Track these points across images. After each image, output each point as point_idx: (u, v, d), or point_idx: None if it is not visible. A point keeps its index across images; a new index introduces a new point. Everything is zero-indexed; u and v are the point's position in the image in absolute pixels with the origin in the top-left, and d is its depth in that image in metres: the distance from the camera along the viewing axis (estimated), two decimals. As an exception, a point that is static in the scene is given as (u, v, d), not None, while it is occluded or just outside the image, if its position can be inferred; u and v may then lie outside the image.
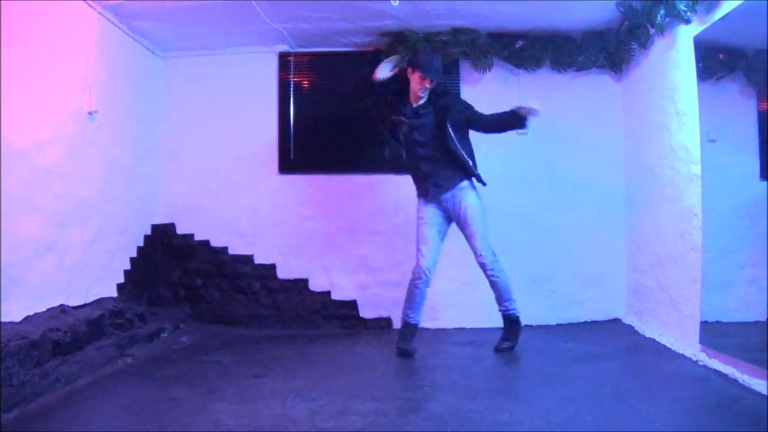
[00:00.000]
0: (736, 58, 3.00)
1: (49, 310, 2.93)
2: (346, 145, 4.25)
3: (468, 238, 3.29)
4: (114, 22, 3.63)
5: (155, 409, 2.39)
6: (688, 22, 3.14)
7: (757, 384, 2.46)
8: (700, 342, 3.00)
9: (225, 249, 4.29)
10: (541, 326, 4.03)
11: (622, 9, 3.55)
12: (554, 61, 4.06)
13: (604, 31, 3.90)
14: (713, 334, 2.96)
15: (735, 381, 2.59)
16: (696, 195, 3.09)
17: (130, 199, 3.89)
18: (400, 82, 3.31)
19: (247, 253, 4.27)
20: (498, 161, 3.88)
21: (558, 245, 4.12)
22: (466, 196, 3.28)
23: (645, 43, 3.63)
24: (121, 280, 3.76)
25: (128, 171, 3.87)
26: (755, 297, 2.75)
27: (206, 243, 4.31)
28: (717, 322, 3.00)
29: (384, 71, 3.29)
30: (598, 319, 4.10)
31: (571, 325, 4.04)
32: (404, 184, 3.52)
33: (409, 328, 3.36)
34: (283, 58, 4.31)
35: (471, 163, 3.28)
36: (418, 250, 3.30)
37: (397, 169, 3.97)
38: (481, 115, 3.31)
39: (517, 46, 4.02)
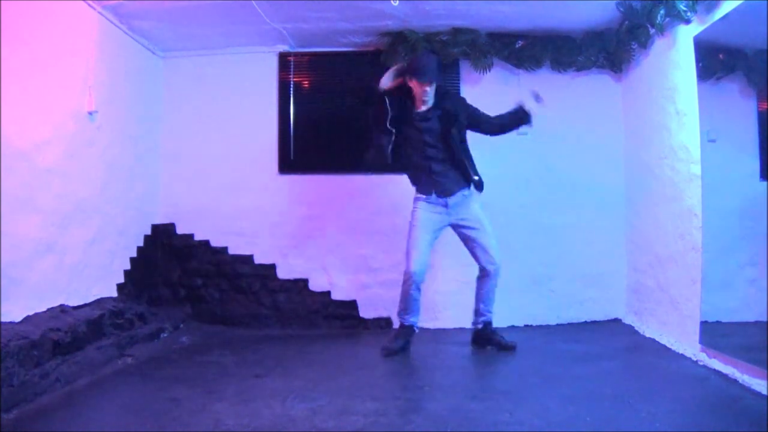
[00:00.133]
0: (736, 58, 3.00)
1: (49, 310, 2.93)
2: (346, 145, 4.25)
3: (476, 245, 3.29)
4: (114, 22, 3.63)
5: (155, 409, 2.38)
6: (688, 22, 3.14)
7: (757, 384, 2.46)
8: (700, 342, 3.00)
9: (225, 249, 4.29)
10: (541, 326, 4.04)
11: (622, 9, 3.55)
12: (554, 61, 4.06)
13: (604, 31, 3.90)
14: (713, 334, 2.96)
15: (735, 381, 2.59)
16: (696, 195, 3.09)
17: (130, 199, 3.89)
18: (404, 89, 3.32)
19: (247, 253, 4.27)
20: (498, 161, 3.88)
21: (558, 245, 4.12)
22: (472, 203, 3.31)
23: (645, 43, 3.63)
24: (121, 280, 3.76)
25: (128, 171, 3.87)
26: (755, 297, 2.75)
27: (206, 243, 4.31)
28: (717, 322, 3.00)
29: (387, 81, 3.31)
30: (598, 319, 4.11)
31: (571, 325, 4.04)
32: (404, 184, 3.52)
33: (405, 330, 3.36)
34: (283, 58, 4.31)
35: (473, 168, 3.31)
36: (410, 255, 3.28)
37: (397, 168, 3.96)
38: (487, 116, 3.34)
39: (517, 46, 4.03)
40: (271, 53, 4.30)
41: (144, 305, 3.86)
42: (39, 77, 2.93)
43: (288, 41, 4.21)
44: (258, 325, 4.17)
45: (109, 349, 3.09)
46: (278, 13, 3.71)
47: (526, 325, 4.07)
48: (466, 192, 3.30)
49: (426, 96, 3.26)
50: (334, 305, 4.21)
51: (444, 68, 3.92)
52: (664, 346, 3.30)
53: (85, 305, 3.26)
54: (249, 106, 4.30)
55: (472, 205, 3.31)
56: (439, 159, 3.29)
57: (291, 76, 4.33)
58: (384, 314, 4.14)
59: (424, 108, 3.30)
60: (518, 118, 3.33)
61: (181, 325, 4.00)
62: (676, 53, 3.32)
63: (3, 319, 2.56)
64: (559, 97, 4.08)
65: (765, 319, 2.66)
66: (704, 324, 3.01)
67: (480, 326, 3.38)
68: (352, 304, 4.21)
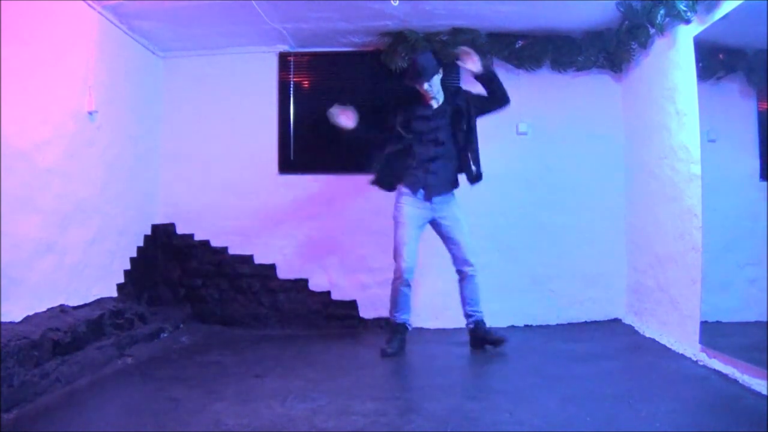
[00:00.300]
0: (736, 58, 2.99)
1: (49, 310, 2.93)
2: (346, 145, 4.24)
3: (454, 245, 3.35)
4: (114, 22, 3.63)
5: (155, 409, 2.39)
6: (688, 22, 3.14)
7: (757, 384, 2.46)
8: (700, 342, 3.00)
9: (225, 249, 4.29)
10: (541, 326, 4.04)
11: (622, 9, 3.55)
12: (554, 61, 4.06)
13: (604, 31, 3.90)
14: (713, 334, 2.96)
15: (735, 381, 2.59)
16: (696, 195, 3.09)
17: (130, 199, 3.89)
18: (414, 91, 3.38)
19: (247, 253, 4.27)
20: (498, 161, 3.88)
21: (558, 245, 4.12)
22: (454, 205, 3.38)
23: (645, 43, 3.63)
24: (121, 280, 3.76)
25: (128, 171, 3.87)
26: (755, 297, 2.74)
27: (206, 243, 4.31)
28: (717, 322, 3.00)
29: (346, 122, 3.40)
30: (598, 319, 4.10)
31: (571, 325, 4.04)
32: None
33: (398, 328, 3.36)
34: (283, 58, 4.32)
35: (476, 160, 3.34)
36: (399, 253, 3.30)
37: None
38: (484, 96, 3.38)
39: (517, 46, 4.03)
40: (271, 53, 4.30)
41: (144, 305, 3.86)
42: (39, 77, 2.93)
43: (288, 41, 4.21)
44: (258, 325, 4.18)
45: (109, 349, 3.08)
46: (278, 13, 3.71)
47: (526, 325, 4.07)
48: (449, 196, 3.38)
49: (429, 92, 3.32)
50: (334, 305, 4.21)
51: (444, 67, 3.91)
52: (664, 346, 3.30)
53: (85, 305, 3.26)
54: (249, 106, 4.30)
55: (454, 207, 3.38)
56: (442, 157, 3.32)
57: (291, 76, 4.33)
58: (384, 314, 4.10)
59: (434, 103, 3.37)
60: (490, 78, 3.33)
61: (181, 325, 4.00)
62: (676, 53, 3.32)
63: (3, 319, 2.56)
64: (559, 97, 4.09)
65: (765, 319, 2.65)
66: (704, 324, 3.00)
67: (472, 326, 3.38)
68: (352, 304, 4.21)
